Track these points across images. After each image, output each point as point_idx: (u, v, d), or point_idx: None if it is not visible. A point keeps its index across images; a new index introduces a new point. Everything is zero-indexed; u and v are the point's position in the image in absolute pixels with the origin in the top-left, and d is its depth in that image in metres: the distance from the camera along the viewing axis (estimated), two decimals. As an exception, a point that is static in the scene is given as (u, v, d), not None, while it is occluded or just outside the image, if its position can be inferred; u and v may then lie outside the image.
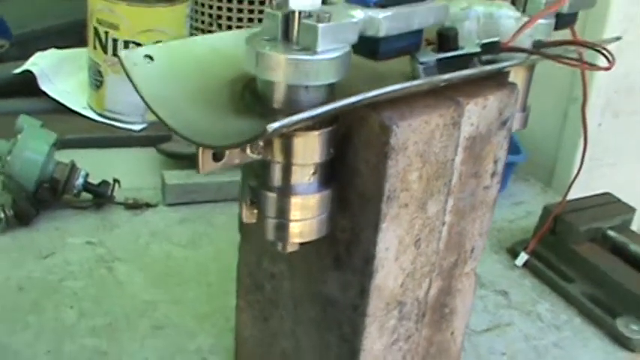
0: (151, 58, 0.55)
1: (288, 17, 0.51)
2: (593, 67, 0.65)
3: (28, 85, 1.38)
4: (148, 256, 1.01)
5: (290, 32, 0.51)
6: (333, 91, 0.53)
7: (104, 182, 1.12)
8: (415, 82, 0.53)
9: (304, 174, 0.55)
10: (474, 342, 0.90)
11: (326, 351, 0.67)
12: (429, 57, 0.60)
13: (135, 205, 1.12)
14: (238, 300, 0.76)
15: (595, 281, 1.01)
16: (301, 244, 0.59)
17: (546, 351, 0.90)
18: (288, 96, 0.51)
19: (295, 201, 0.55)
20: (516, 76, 0.75)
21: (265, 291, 0.72)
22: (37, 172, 1.06)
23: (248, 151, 0.52)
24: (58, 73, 1.39)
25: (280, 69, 0.50)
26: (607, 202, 1.13)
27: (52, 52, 1.44)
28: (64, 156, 1.10)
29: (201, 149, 0.50)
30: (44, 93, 1.36)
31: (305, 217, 0.56)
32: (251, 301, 0.75)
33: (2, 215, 1.05)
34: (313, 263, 0.65)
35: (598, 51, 0.65)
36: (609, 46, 0.68)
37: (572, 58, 0.65)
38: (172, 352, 0.84)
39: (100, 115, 1.34)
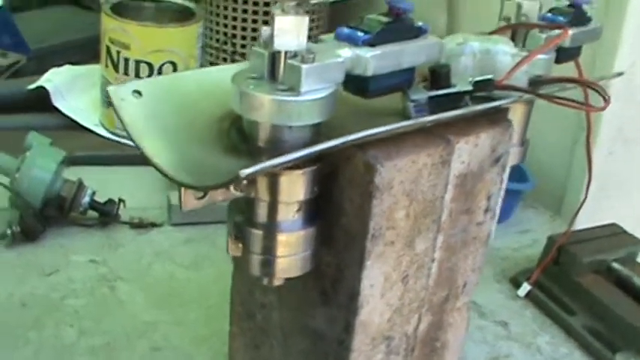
0: (139, 93, 0.55)
1: (274, 56, 0.52)
2: (588, 107, 0.64)
3: (41, 101, 1.40)
4: (151, 277, 1.02)
5: (276, 71, 0.52)
6: (319, 131, 0.54)
7: (110, 201, 1.13)
8: (402, 124, 0.54)
9: (288, 211, 0.55)
10: (470, 374, 0.90)
11: (313, 383, 0.67)
12: (421, 95, 0.60)
13: (140, 225, 1.13)
14: (231, 326, 0.77)
15: (597, 314, 1.01)
16: (287, 279, 0.59)
17: (544, 385, 0.90)
18: (273, 135, 0.52)
19: (279, 238, 0.56)
20: (514, 111, 0.75)
21: (257, 320, 0.72)
22: (44, 189, 1.08)
23: (232, 188, 0.53)
24: (72, 89, 1.41)
25: (264, 109, 0.51)
26: (613, 234, 1.12)
27: (67, 69, 1.46)
28: (73, 173, 1.11)
29: (182, 189, 0.51)
30: (57, 109, 1.38)
31: (289, 253, 0.56)
32: (243, 329, 0.75)
33: (9, 231, 1.06)
34: (301, 296, 0.65)
35: (593, 89, 0.65)
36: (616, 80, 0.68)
37: (565, 99, 0.65)
38: (169, 374, 0.85)
39: (112, 132, 1.35)
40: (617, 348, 0.95)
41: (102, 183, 1.15)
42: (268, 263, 0.56)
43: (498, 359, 0.94)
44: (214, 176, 0.47)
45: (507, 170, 0.83)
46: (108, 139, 1.35)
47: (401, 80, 0.59)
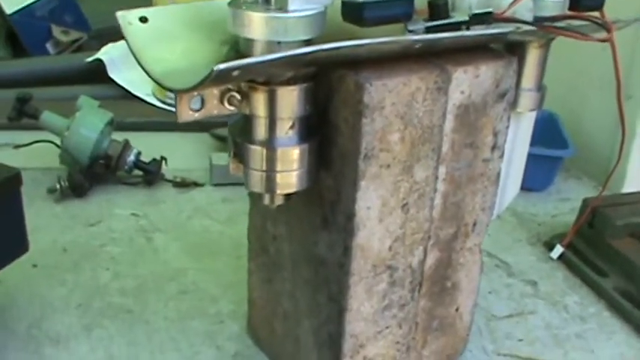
0: (145, 19, 0.59)
1: (267, -20, 0.54)
2: (587, 37, 0.64)
3: (98, 73, 1.46)
4: (186, 229, 1.06)
5: (269, -6, 0.54)
6: (310, 49, 0.56)
7: (154, 160, 1.18)
8: (385, 39, 0.55)
9: (282, 128, 0.57)
10: (492, 326, 0.90)
11: (318, 311, 0.69)
12: (418, 25, 0.62)
13: (182, 184, 1.18)
14: (249, 263, 0.80)
15: (629, 276, 0.99)
16: (287, 196, 0.61)
17: (567, 340, 0.89)
18: (264, 52, 0.54)
19: (275, 153, 0.58)
20: (529, 55, 0.75)
21: (270, 254, 0.75)
22: (91, 147, 1.13)
23: (225, 103, 0.55)
24: (126, 62, 1.47)
25: (253, 25, 0.53)
26: (652, 199, 1.10)
27: (122, 43, 1.50)
28: (123, 137, 1.17)
29: (177, 98, 0.53)
30: (113, 80, 1.44)
31: (286, 169, 0.59)
32: (259, 264, 0.78)
33: (58, 186, 1.12)
34: (306, 224, 0.68)
35: (595, 22, 0.65)
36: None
37: (564, 29, 0.65)
38: (193, 314, 0.88)
39: (163, 102, 1.41)
40: (649, 309, 0.94)
41: (149, 146, 1.20)
42: (266, 178, 0.59)
43: (522, 315, 0.93)
44: (195, 78, 0.50)
45: (532, 119, 0.83)
46: (159, 107, 1.41)
47: (399, 12, 0.60)
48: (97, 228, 1.06)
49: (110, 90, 1.44)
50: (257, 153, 0.58)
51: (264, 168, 0.58)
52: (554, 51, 0.79)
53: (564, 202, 1.21)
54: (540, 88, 0.78)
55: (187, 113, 0.54)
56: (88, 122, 1.14)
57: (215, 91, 0.56)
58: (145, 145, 1.18)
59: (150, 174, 1.16)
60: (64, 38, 1.67)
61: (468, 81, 0.63)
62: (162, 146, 1.23)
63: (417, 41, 0.57)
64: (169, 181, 1.18)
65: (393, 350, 0.72)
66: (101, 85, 1.45)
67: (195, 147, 1.27)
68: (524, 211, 1.17)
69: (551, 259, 1.05)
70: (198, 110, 0.55)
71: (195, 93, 0.54)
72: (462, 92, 0.63)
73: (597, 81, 1.29)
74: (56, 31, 1.69)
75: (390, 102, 0.58)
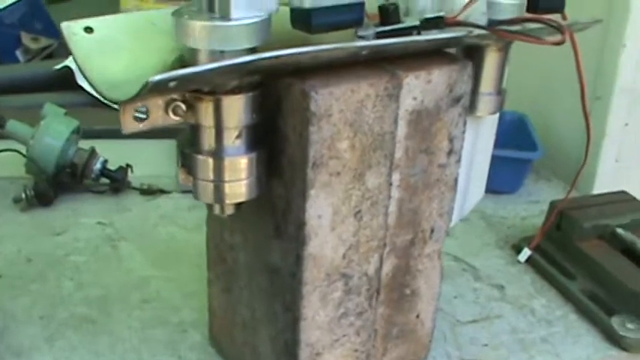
0: (90, 29, 0.58)
1: (210, -12, 0.53)
2: (541, 40, 0.64)
3: (68, 80, 1.45)
4: (153, 237, 1.06)
5: (212, 3, 0.54)
6: (255, 58, 0.55)
7: (121, 168, 1.17)
8: (331, 46, 0.54)
9: (229, 137, 0.57)
10: (456, 332, 0.89)
11: (274, 320, 0.69)
12: (368, 31, 0.61)
13: (149, 191, 1.17)
14: (208, 272, 0.79)
15: (597, 279, 0.99)
16: (237, 206, 0.61)
17: (532, 344, 0.89)
18: (207, 62, 0.54)
19: (222, 163, 0.57)
20: (488, 58, 0.75)
21: (227, 263, 0.74)
22: (56, 155, 1.12)
23: (170, 113, 0.55)
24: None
25: (196, 35, 0.53)
26: (620, 200, 1.10)
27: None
28: (90, 145, 1.16)
29: (121, 109, 0.53)
30: (82, 88, 1.43)
31: (234, 178, 0.58)
32: (218, 273, 0.77)
33: (24, 195, 1.11)
34: (260, 233, 0.67)
35: (549, 25, 0.65)
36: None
37: (518, 33, 0.65)
38: (156, 323, 0.87)
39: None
40: (614, 311, 0.93)
41: (116, 154, 1.19)
42: (215, 188, 0.58)
43: (488, 319, 0.93)
44: (133, 90, 0.49)
45: (494, 122, 0.83)
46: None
47: (348, 17, 0.60)
48: (63, 237, 1.04)
49: (79, 97, 1.42)
50: (205, 163, 0.58)
51: (212, 178, 0.58)
52: (522, 53, 0.79)
53: (534, 205, 1.21)
54: (500, 91, 0.77)
55: (132, 124, 0.54)
56: (53, 130, 1.12)
57: (160, 102, 0.55)
58: (112, 153, 1.17)
59: (116, 182, 1.16)
60: (33, 45, 1.65)
61: (420, 86, 0.63)
62: (130, 153, 1.22)
63: (363, 48, 0.57)
64: (136, 188, 1.17)
65: (352, 358, 0.71)
66: (70, 93, 1.44)
67: (162, 154, 1.26)
68: (494, 214, 1.17)
69: (519, 262, 1.05)
70: (142, 121, 0.54)
71: (139, 104, 0.54)
72: (414, 98, 0.63)
73: (567, 82, 1.28)
74: (26, 38, 1.67)
75: (338, 109, 0.57)
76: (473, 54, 0.73)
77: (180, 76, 0.48)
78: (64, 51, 1.68)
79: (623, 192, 1.12)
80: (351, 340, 0.70)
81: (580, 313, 0.95)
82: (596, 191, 1.26)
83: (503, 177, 1.15)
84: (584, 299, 0.97)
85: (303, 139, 0.57)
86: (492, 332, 0.91)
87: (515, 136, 1.22)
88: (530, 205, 1.21)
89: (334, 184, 0.60)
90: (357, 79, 0.58)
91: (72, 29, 0.57)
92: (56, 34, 1.65)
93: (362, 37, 0.61)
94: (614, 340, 0.90)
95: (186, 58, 0.56)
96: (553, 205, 1.06)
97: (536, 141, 1.22)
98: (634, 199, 1.10)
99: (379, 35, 0.61)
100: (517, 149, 1.20)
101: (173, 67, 0.57)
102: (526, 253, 1.05)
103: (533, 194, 1.25)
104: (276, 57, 0.51)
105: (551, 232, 1.05)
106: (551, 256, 1.05)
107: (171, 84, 0.48)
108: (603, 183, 1.29)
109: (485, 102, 0.76)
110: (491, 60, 0.75)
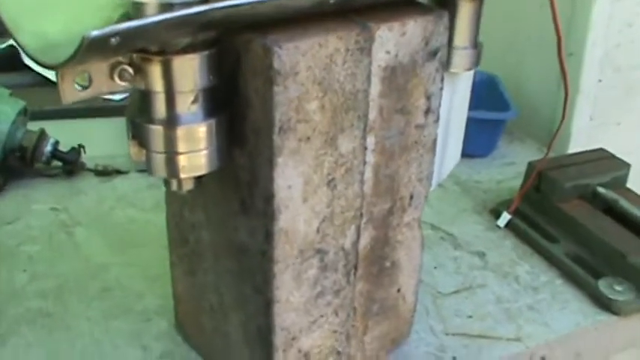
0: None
1: None
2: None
3: (14, 60, 1.36)
4: (110, 221, 0.99)
5: (156, -54, 0.47)
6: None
7: (73, 149, 1.09)
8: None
9: (184, 102, 0.50)
10: (438, 304, 0.85)
11: (245, 304, 0.63)
12: (335, -22, 0.55)
13: (104, 172, 1.10)
14: (171, 255, 0.73)
15: (580, 241, 0.95)
16: (197, 180, 0.55)
17: (519, 313, 0.84)
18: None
19: (178, 132, 0.51)
20: (461, 9, 0.69)
21: (190, 243, 0.68)
22: (3, 139, 1.04)
23: (116, 78, 0.48)
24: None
25: (139, -16, 0.46)
26: (599, 158, 1.06)
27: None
28: (39, 126, 1.08)
29: (59, 75, 0.46)
30: (28, 67, 1.34)
31: (191, 149, 0.52)
32: (180, 255, 0.71)
33: (-31, 183, 1.03)
34: (224, 210, 0.61)
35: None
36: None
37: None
38: (118, 313, 0.81)
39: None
40: (601, 274, 0.89)
41: (68, 134, 1.12)
42: (170, 161, 0.52)
43: (471, 289, 0.88)
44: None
45: (470, 79, 0.78)
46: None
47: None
48: (14, 226, 0.97)
49: (26, 77, 1.34)
50: (157, 133, 0.51)
51: (166, 150, 0.51)
52: (489, 9, 0.73)
53: (509, 167, 1.17)
54: (476, 44, 0.72)
55: (72, 92, 0.47)
56: (-2, 113, 1.04)
57: (103, 66, 0.48)
58: (64, 134, 1.10)
59: (69, 164, 1.08)
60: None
61: (394, 39, 0.57)
62: (82, 134, 1.15)
63: (329, -5, 0.51)
64: (91, 170, 1.10)
65: (331, 340, 0.66)
66: (15, 73, 1.35)
67: (117, 133, 1.18)
68: (468, 178, 1.12)
69: (499, 227, 1.00)
70: (85, 88, 0.47)
71: (80, 68, 0.47)
72: (388, 52, 0.57)
73: (536, 39, 1.24)
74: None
75: (305, 66, 0.51)
76: (445, 4, 0.67)
77: (122, 31, 0.42)
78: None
79: (601, 149, 1.08)
80: (329, 320, 0.65)
81: (565, 278, 0.91)
82: (571, 150, 1.22)
83: (477, 140, 1.10)
84: (569, 263, 0.92)
85: (267, 102, 0.51)
86: (476, 303, 0.86)
87: (487, 97, 1.17)
88: (506, 168, 1.17)
89: (304, 150, 0.54)
90: (324, 33, 0.52)
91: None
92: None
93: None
94: (602, 304, 0.86)
95: (131, 14, 0.49)
96: (531, 166, 1.01)
97: (509, 101, 1.18)
98: (613, 156, 1.06)
99: (347, -17, 0.55)
100: (489, 110, 1.15)
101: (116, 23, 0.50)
102: (505, 217, 1.01)
103: (508, 156, 1.21)
104: (232, 6, 0.45)
105: (530, 194, 1.01)
106: (531, 220, 1.00)
107: (113, 40, 0.42)
108: (578, 142, 1.25)
109: (461, 56, 0.70)
110: (465, 10, 0.69)
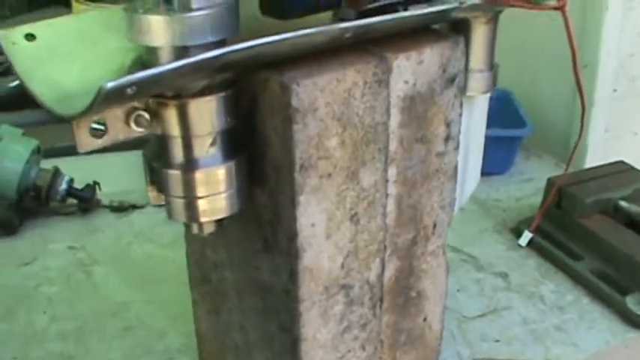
0: (32, 37, 0.50)
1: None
2: (540, 6, 0.58)
3: (24, 98, 1.36)
4: (128, 258, 0.98)
5: (170, -6, 0.46)
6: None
7: (88, 186, 1.09)
8: (311, 30, 0.47)
9: (201, 146, 0.50)
10: (464, 329, 0.83)
11: (270, 342, 0.62)
12: (350, 11, 0.54)
13: (120, 208, 1.09)
14: (192, 293, 0.72)
15: (605, 257, 0.93)
16: (218, 222, 0.54)
17: (546, 334, 0.83)
18: (170, 61, 0.46)
19: (196, 176, 0.50)
20: (476, 32, 0.68)
21: (212, 282, 0.67)
22: (17, 179, 1.04)
23: (132, 124, 0.47)
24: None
25: (153, 31, 0.45)
26: (619, 171, 1.04)
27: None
28: (52, 164, 1.08)
29: (75, 125, 0.45)
30: (39, 104, 1.34)
31: (211, 192, 0.51)
32: (202, 294, 0.70)
33: (-15, 225, 1.03)
34: (246, 249, 0.60)
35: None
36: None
37: None
38: (139, 353, 0.80)
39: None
40: (628, 290, 0.88)
41: (82, 171, 1.11)
42: (190, 206, 0.51)
43: (496, 312, 0.87)
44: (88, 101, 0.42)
45: (486, 101, 0.77)
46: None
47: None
48: (31, 267, 0.97)
49: (37, 115, 1.33)
50: (175, 178, 0.50)
51: (185, 194, 0.50)
52: (499, 26, 0.72)
53: (527, 184, 1.15)
54: (492, 67, 0.71)
55: (88, 141, 0.46)
56: (12, 153, 1.04)
57: (118, 112, 0.48)
58: (78, 171, 1.09)
59: (85, 201, 1.08)
60: (-15, 62, 1.56)
61: (411, 68, 0.56)
62: (96, 170, 1.14)
63: (346, 29, 0.50)
64: (106, 206, 1.09)
65: (360, 375, 0.64)
66: (26, 111, 1.34)
67: (131, 167, 1.17)
68: (487, 197, 1.11)
69: (520, 246, 0.99)
70: (100, 136, 0.47)
71: (95, 117, 0.46)
72: (406, 82, 0.56)
73: (548, 54, 1.23)
74: (-24, 56, 1.57)
75: (324, 102, 0.50)
76: (459, 29, 0.66)
77: (138, 80, 0.41)
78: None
79: (621, 162, 1.06)
80: (356, 355, 0.64)
81: (592, 296, 0.90)
82: (588, 164, 1.21)
83: (494, 157, 1.07)
84: (595, 280, 0.91)
85: (286, 140, 0.50)
86: (502, 325, 0.84)
87: (502, 114, 1.16)
88: (524, 185, 1.16)
89: (326, 186, 0.53)
90: (342, 67, 0.51)
91: (10, 38, 0.50)
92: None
93: (342, 19, 0.54)
94: (631, 321, 0.85)
95: (145, 59, 0.48)
96: (551, 182, 1.00)
97: (524, 117, 1.16)
98: (633, 168, 1.05)
99: (361, 15, 0.54)
100: (504, 127, 1.14)
101: (131, 71, 0.50)
102: (527, 236, 0.99)
103: (525, 172, 1.19)
104: (251, 47, 0.44)
105: (551, 210, 0.99)
106: (553, 237, 0.99)
107: (129, 90, 0.41)
108: (594, 155, 1.24)
109: (478, 80, 0.69)
110: (480, 33, 0.68)
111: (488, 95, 0.75)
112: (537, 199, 1.05)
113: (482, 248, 0.98)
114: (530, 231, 0.99)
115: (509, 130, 1.13)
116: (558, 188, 0.97)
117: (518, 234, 1.01)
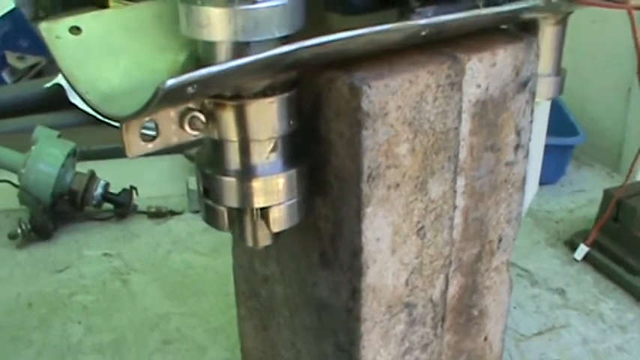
0: (77, 30, 0.47)
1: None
2: (623, 5, 0.53)
3: (60, 99, 1.33)
4: (166, 267, 0.94)
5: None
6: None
7: (124, 191, 1.06)
8: (380, 28, 0.43)
9: (261, 151, 0.46)
10: (522, 348, 0.78)
11: (326, 363, 0.57)
12: (422, 7, 0.50)
13: (158, 214, 1.06)
14: (239, 308, 0.68)
15: (667, 273, 0.88)
16: (275, 234, 0.50)
17: (608, 355, 0.78)
18: (229, 58, 0.42)
19: (254, 184, 0.46)
20: (544, 34, 0.64)
21: (261, 297, 0.63)
22: (53, 183, 1.01)
23: (187, 127, 0.43)
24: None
25: (213, 24, 0.41)
26: (680, 183, 0.99)
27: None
28: (88, 168, 1.05)
29: (124, 127, 0.42)
30: (75, 106, 1.31)
31: (270, 203, 0.47)
32: (250, 309, 0.66)
33: (19, 230, 1.00)
34: (302, 263, 0.56)
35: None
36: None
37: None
38: (180, 369, 0.76)
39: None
40: (695, 308, 0.83)
41: (119, 175, 1.08)
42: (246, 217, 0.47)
43: (554, 330, 0.82)
44: (142, 100, 0.38)
45: (547, 109, 0.72)
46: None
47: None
48: (66, 274, 0.94)
49: (73, 117, 1.30)
50: (230, 186, 0.46)
51: (241, 205, 0.46)
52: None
53: (580, 194, 1.10)
54: (559, 71, 0.66)
55: (139, 145, 0.42)
56: (47, 156, 1.01)
57: (172, 114, 0.44)
58: (114, 175, 1.06)
59: (121, 206, 1.05)
60: (20, 65, 1.54)
61: (485, 71, 0.52)
62: (133, 174, 1.11)
63: (424, 26, 0.46)
64: (143, 212, 1.06)
65: (419, 400, 0.60)
66: (62, 113, 1.32)
67: (169, 171, 1.14)
68: (539, 208, 1.06)
69: (576, 260, 0.94)
70: (152, 139, 0.43)
71: (146, 119, 0.42)
72: (478, 86, 0.52)
73: (600, 59, 1.18)
74: (11, 57, 1.55)
75: (395, 106, 0.46)
76: (528, 30, 0.62)
77: (201, 78, 0.37)
78: (55, 67, 1.56)
79: (681, 173, 1.01)
80: (417, 378, 0.59)
81: (655, 314, 0.84)
82: (640, 174, 1.15)
83: (544, 166, 1.03)
84: (658, 298, 0.86)
85: (354, 147, 0.46)
86: (561, 345, 0.80)
87: (552, 121, 1.11)
88: (576, 195, 1.10)
89: (393, 198, 0.49)
90: (414, 68, 0.47)
91: (54, 31, 0.46)
92: (44, 50, 1.53)
93: (417, 15, 0.49)
94: (699, 341, 0.79)
95: (200, 55, 0.44)
96: (608, 194, 0.95)
97: (575, 124, 1.11)
98: (694, 179, 0.99)
99: (439, 11, 0.50)
100: (555, 135, 1.08)
101: (185, 69, 0.46)
102: (583, 249, 0.94)
103: (576, 183, 1.14)
104: (325, 44, 0.40)
105: (607, 223, 0.94)
106: (610, 251, 0.94)
107: (190, 89, 0.37)
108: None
109: (545, 85, 0.65)
110: (549, 35, 0.64)
111: (550, 102, 0.71)
112: (591, 211, 1.00)
113: (537, 262, 0.93)
114: (587, 245, 0.94)
115: (561, 138, 1.08)
116: (617, 200, 0.92)
117: (572, 247, 0.96)
